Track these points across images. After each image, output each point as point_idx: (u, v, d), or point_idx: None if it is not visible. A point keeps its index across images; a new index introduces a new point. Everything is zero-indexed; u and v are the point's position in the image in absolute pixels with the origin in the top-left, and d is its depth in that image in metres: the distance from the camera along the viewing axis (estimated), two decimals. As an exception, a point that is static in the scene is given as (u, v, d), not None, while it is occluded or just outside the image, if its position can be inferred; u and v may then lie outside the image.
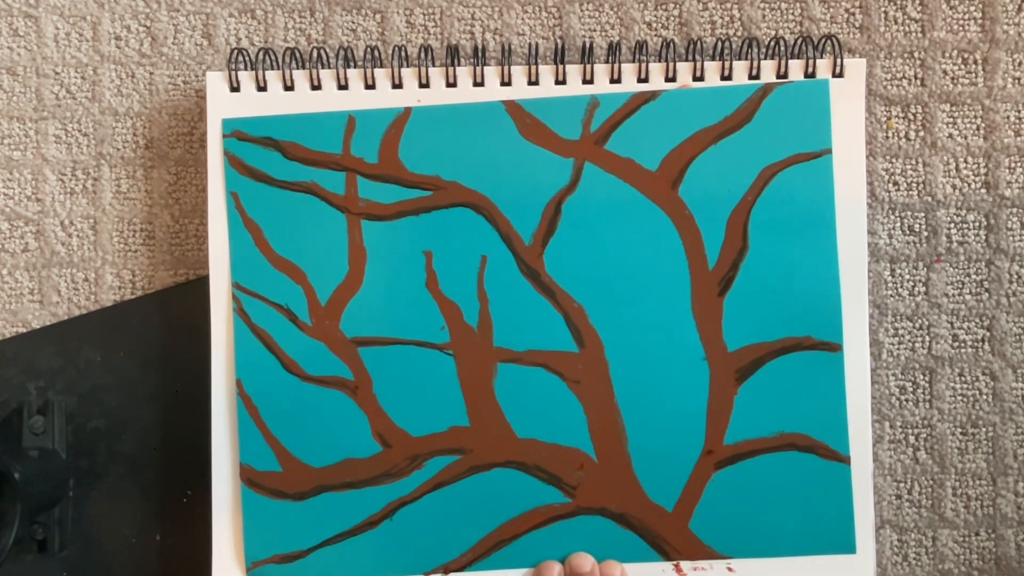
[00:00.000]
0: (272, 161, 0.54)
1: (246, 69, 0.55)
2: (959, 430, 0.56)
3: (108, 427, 0.56)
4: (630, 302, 0.53)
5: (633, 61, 0.55)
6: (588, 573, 0.52)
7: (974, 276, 0.56)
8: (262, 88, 0.55)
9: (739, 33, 0.56)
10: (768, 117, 0.53)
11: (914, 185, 0.56)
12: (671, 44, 0.55)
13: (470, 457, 0.53)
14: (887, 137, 0.56)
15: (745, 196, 0.53)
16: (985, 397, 0.56)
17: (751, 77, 0.54)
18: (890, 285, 0.56)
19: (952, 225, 0.56)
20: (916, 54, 0.56)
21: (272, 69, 0.55)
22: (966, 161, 0.56)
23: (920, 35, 0.56)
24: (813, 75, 0.54)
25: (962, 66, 0.56)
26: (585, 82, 0.54)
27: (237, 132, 0.54)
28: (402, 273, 0.53)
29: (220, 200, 0.54)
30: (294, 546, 0.54)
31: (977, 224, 0.56)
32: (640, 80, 0.54)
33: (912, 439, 0.56)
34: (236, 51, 0.55)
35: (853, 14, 0.56)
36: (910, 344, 0.56)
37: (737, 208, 0.53)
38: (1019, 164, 0.56)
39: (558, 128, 0.53)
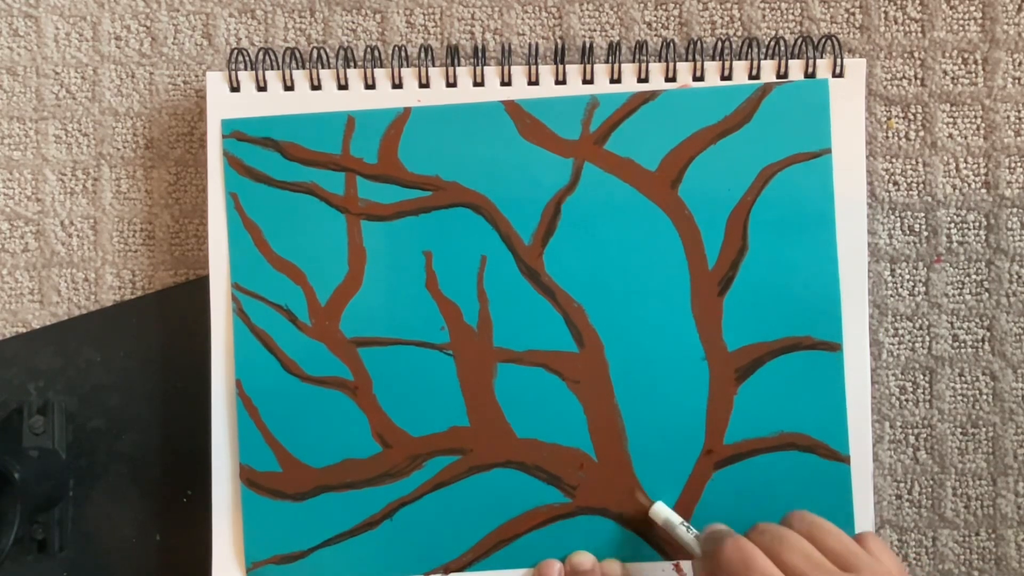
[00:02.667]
0: (271, 161, 0.54)
1: (246, 69, 0.55)
2: (959, 430, 0.56)
3: (108, 427, 0.56)
4: (630, 302, 0.53)
5: (633, 61, 0.55)
6: (589, 571, 0.52)
7: (974, 276, 0.56)
8: (262, 88, 0.55)
9: (739, 33, 0.56)
10: (767, 117, 0.53)
11: (914, 185, 0.56)
12: (671, 44, 0.55)
13: (470, 457, 0.53)
14: (887, 137, 0.56)
15: (745, 196, 0.53)
16: (985, 397, 0.56)
17: (751, 77, 0.54)
18: (890, 285, 0.56)
19: (952, 225, 0.56)
20: (916, 54, 0.56)
21: (272, 69, 0.55)
22: (966, 161, 0.56)
23: (920, 35, 0.56)
24: (813, 75, 0.54)
25: (962, 66, 0.56)
26: (585, 82, 0.54)
27: (236, 132, 0.54)
28: (402, 273, 0.53)
29: (220, 200, 0.54)
30: (294, 546, 0.54)
31: (977, 224, 0.56)
32: (640, 80, 0.54)
33: (912, 439, 0.56)
34: (236, 51, 0.55)
35: (853, 14, 0.56)
36: (910, 344, 0.56)
37: (737, 208, 0.53)
38: (1019, 164, 0.56)
39: (558, 128, 0.53)
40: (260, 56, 0.55)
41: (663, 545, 0.53)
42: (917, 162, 0.56)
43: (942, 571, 0.56)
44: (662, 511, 0.52)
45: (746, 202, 0.53)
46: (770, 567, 0.42)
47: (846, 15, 0.56)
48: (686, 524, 0.51)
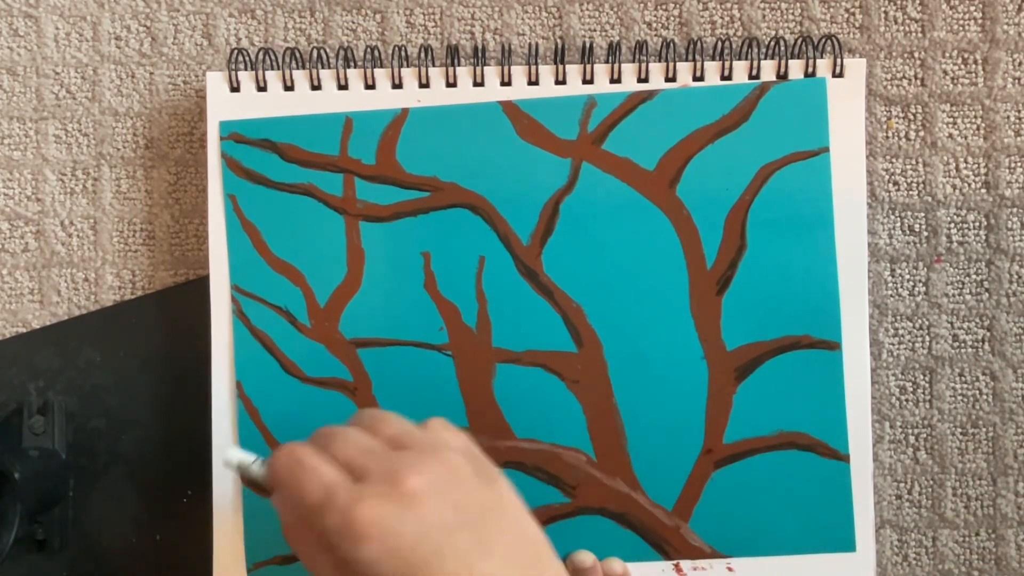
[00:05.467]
0: (270, 163, 0.54)
1: (246, 69, 0.55)
2: (959, 430, 0.56)
3: (108, 427, 0.56)
4: (628, 302, 0.53)
5: (633, 61, 0.55)
6: (590, 568, 0.51)
7: (974, 276, 0.56)
8: (262, 88, 0.55)
9: (739, 33, 0.56)
10: (765, 116, 0.53)
11: (914, 185, 0.56)
12: (671, 44, 0.55)
13: (469, 457, 0.53)
14: (887, 137, 0.56)
15: (743, 195, 0.53)
16: (985, 397, 0.56)
17: (751, 77, 0.54)
18: (890, 285, 0.56)
19: (952, 225, 0.56)
20: (916, 54, 0.56)
21: (272, 69, 0.55)
22: (966, 161, 0.56)
23: (920, 35, 0.56)
24: (813, 75, 0.54)
25: (962, 66, 0.56)
26: (585, 82, 0.54)
27: (234, 134, 0.54)
28: (400, 274, 0.54)
29: (220, 201, 0.54)
30: (294, 546, 0.54)
31: (977, 224, 0.56)
32: (640, 80, 0.54)
33: (912, 439, 0.56)
34: (236, 51, 0.55)
35: (853, 14, 0.56)
36: (910, 344, 0.56)
37: (735, 207, 0.53)
38: (1019, 164, 0.56)
39: (555, 128, 0.53)
40: (260, 56, 0.55)
41: (663, 545, 0.53)
42: (917, 162, 0.56)
43: (942, 571, 0.56)
44: (235, 454, 0.44)
45: (744, 201, 0.53)
46: (317, 461, 0.39)
47: (846, 15, 0.56)
48: (261, 459, 0.44)
